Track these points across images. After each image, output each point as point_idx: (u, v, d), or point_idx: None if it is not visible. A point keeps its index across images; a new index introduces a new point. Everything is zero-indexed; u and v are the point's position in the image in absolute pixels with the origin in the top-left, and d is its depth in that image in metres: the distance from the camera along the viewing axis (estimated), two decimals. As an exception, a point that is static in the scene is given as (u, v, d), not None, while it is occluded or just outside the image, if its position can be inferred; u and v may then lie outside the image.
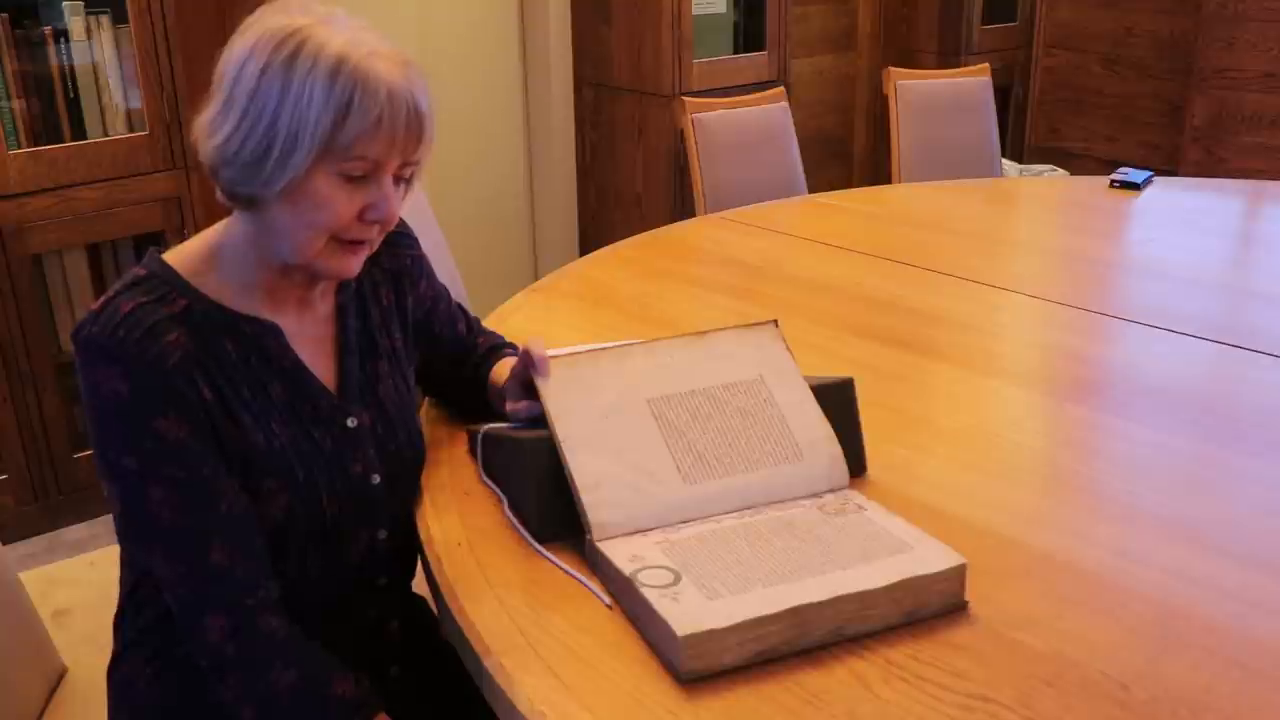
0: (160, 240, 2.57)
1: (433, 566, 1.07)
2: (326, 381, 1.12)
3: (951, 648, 0.94)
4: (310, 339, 1.12)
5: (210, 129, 1.02)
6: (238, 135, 0.99)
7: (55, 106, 2.43)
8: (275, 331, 1.08)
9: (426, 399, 1.40)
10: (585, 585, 1.02)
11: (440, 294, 1.30)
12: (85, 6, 2.43)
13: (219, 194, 1.05)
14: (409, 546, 1.16)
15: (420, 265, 1.26)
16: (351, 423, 1.12)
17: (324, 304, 1.14)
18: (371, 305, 1.18)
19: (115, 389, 0.97)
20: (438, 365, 1.31)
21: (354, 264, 1.07)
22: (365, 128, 0.98)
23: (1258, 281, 1.95)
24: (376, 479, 1.13)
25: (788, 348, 1.22)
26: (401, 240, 1.23)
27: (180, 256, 1.07)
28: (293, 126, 0.97)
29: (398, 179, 1.04)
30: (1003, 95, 4.00)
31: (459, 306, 1.35)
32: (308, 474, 1.07)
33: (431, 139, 1.04)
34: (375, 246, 1.09)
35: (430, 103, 1.03)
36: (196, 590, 0.99)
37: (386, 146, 1.00)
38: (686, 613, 0.90)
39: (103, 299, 1.01)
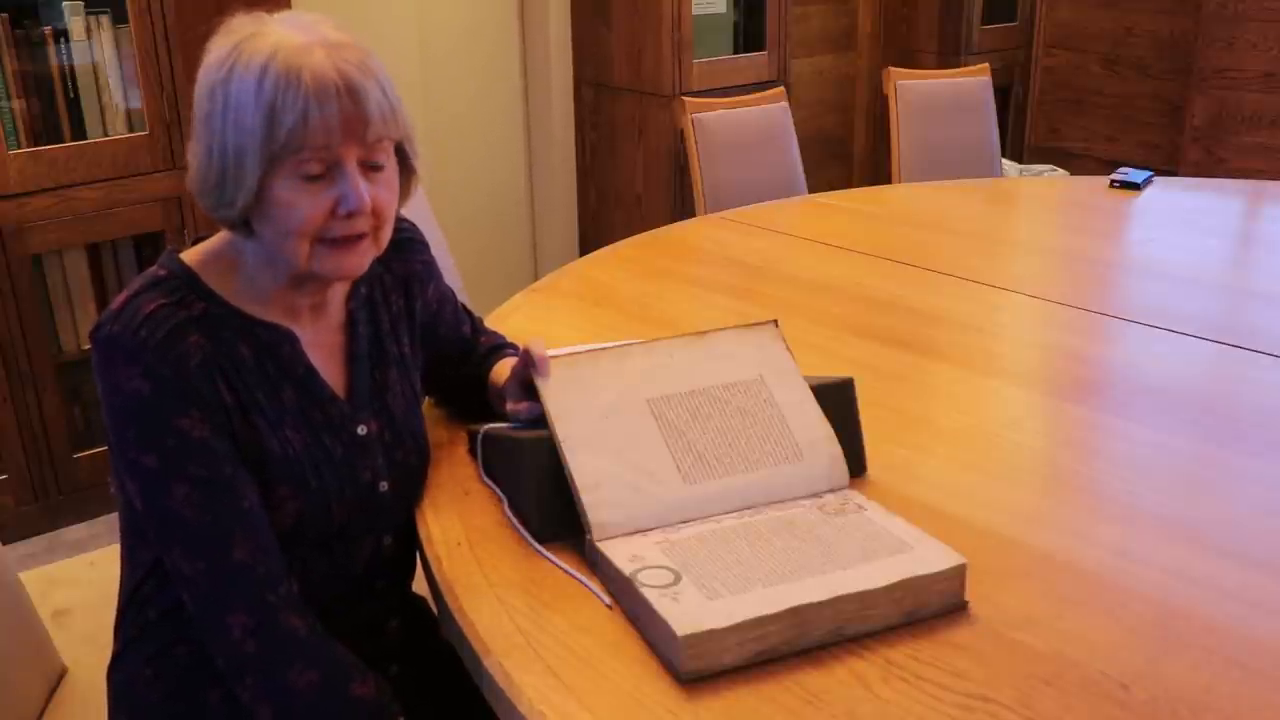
0: (160, 240, 2.57)
1: (433, 566, 1.07)
2: (337, 389, 1.12)
3: (951, 648, 0.94)
4: (322, 346, 1.12)
5: (189, 165, 1.03)
6: (200, 163, 1.00)
7: (55, 106, 2.43)
8: (290, 338, 1.08)
9: (427, 399, 1.40)
10: (585, 585, 1.02)
11: (447, 297, 1.30)
12: (85, 6, 2.43)
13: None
14: (410, 549, 1.16)
15: (430, 270, 1.25)
16: (361, 430, 1.12)
17: (336, 312, 1.14)
18: (382, 312, 1.18)
19: (137, 388, 0.97)
20: (441, 366, 1.31)
21: (353, 261, 1.04)
22: (295, 121, 0.95)
23: (1258, 281, 1.95)
24: (384, 486, 1.13)
25: (788, 348, 1.22)
26: (413, 246, 1.23)
27: (198, 258, 1.07)
28: (235, 140, 0.97)
29: (370, 166, 1.02)
30: (1003, 95, 4.00)
31: (464, 308, 1.35)
32: (319, 482, 1.07)
33: (388, 116, 1.00)
34: (382, 245, 1.07)
35: (373, 79, 0.99)
36: (218, 588, 0.99)
37: (326, 134, 0.97)
38: (686, 613, 0.90)
39: (123, 297, 1.01)
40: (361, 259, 1.05)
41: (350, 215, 1.01)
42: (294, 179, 0.98)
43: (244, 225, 1.02)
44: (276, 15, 1.02)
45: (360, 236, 1.03)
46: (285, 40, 0.98)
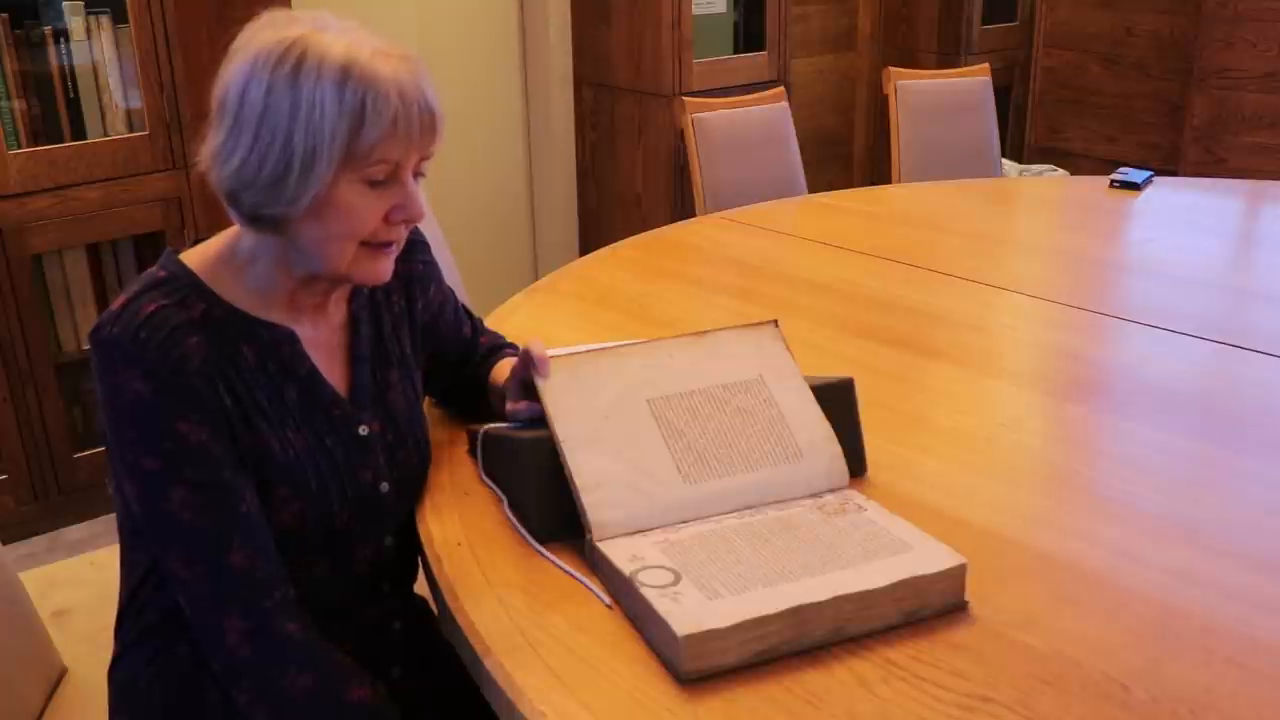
0: (160, 240, 2.57)
1: (433, 566, 1.07)
2: (339, 389, 1.12)
3: (951, 648, 0.94)
4: (324, 346, 1.12)
5: (222, 155, 1.00)
6: (254, 158, 0.97)
7: (55, 106, 2.43)
8: (291, 338, 1.08)
9: (427, 398, 1.40)
10: (585, 585, 1.02)
11: (447, 297, 1.30)
12: (85, 6, 2.43)
13: (239, 220, 1.03)
14: (412, 551, 1.16)
15: (431, 271, 1.26)
16: (363, 430, 1.12)
17: (338, 312, 1.14)
18: (384, 313, 1.19)
19: (136, 390, 0.97)
20: (441, 367, 1.31)
21: (386, 267, 1.06)
22: (382, 132, 0.97)
23: (1258, 281, 1.95)
24: (385, 487, 1.13)
25: (788, 348, 1.22)
26: (414, 247, 1.23)
27: (198, 258, 1.06)
28: (309, 141, 0.96)
29: (416, 174, 1.04)
30: (1003, 95, 3.99)
31: (464, 309, 1.35)
32: (320, 482, 1.07)
33: (443, 131, 1.04)
34: (402, 245, 1.09)
35: (437, 94, 1.02)
36: (215, 592, 0.99)
37: (405, 147, 1.00)
38: (686, 613, 0.90)
39: (122, 299, 1.00)
40: (391, 264, 1.08)
41: (402, 222, 1.04)
42: (359, 183, 1.00)
43: (272, 223, 1.01)
44: (314, 15, 1.02)
45: (397, 243, 1.07)
46: (353, 43, 0.98)
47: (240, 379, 1.03)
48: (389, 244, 1.05)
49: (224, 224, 1.10)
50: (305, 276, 1.06)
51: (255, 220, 1.02)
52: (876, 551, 1.00)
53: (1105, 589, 1.02)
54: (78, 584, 1.63)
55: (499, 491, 1.17)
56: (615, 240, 2.21)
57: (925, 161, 3.11)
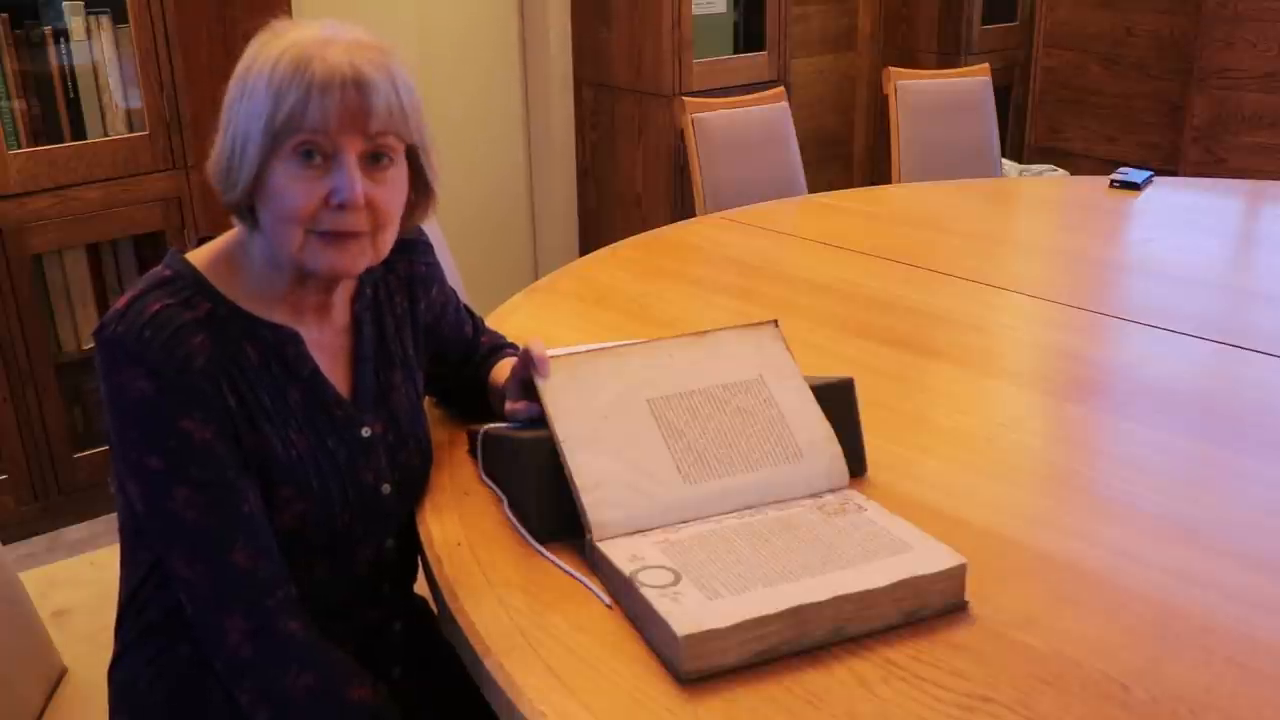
0: (160, 240, 2.57)
1: (433, 566, 1.07)
2: (342, 390, 1.12)
3: (951, 648, 0.94)
4: (327, 347, 1.12)
5: (211, 155, 1.05)
6: (217, 150, 1.03)
7: (55, 106, 2.43)
8: (295, 339, 1.08)
9: (428, 399, 1.40)
10: (585, 585, 1.02)
11: (450, 298, 1.30)
12: (85, 6, 2.43)
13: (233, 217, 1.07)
14: (413, 552, 1.16)
15: (434, 272, 1.25)
16: (365, 432, 1.12)
17: (341, 314, 1.14)
18: (387, 314, 1.18)
19: (140, 389, 0.97)
20: (442, 367, 1.31)
21: (344, 259, 1.02)
22: (297, 101, 0.97)
23: (1258, 281, 1.95)
24: (387, 488, 1.13)
25: (788, 348, 1.22)
26: (417, 248, 1.23)
27: (204, 258, 1.07)
28: (243, 125, 0.99)
29: (373, 159, 1.02)
30: (1003, 95, 3.99)
31: (466, 309, 1.35)
32: (322, 483, 1.07)
33: (395, 113, 1.00)
34: (381, 251, 1.05)
35: (387, 76, 1.00)
36: (217, 591, 0.99)
37: (323, 118, 0.97)
38: (686, 613, 0.90)
39: (127, 298, 1.01)
40: (354, 260, 1.04)
41: (342, 207, 1.00)
42: (291, 164, 0.99)
43: (249, 214, 1.03)
44: (314, 20, 1.04)
45: (354, 235, 1.02)
46: (308, 35, 1.00)
47: (244, 379, 1.03)
48: (342, 234, 1.01)
49: (224, 224, 1.10)
50: (295, 275, 1.06)
51: (235, 213, 1.05)
52: (876, 551, 1.00)
53: (1105, 589, 1.02)
54: (78, 584, 1.63)
55: (499, 491, 1.17)
56: (615, 240, 2.21)
57: (925, 161, 3.11)
